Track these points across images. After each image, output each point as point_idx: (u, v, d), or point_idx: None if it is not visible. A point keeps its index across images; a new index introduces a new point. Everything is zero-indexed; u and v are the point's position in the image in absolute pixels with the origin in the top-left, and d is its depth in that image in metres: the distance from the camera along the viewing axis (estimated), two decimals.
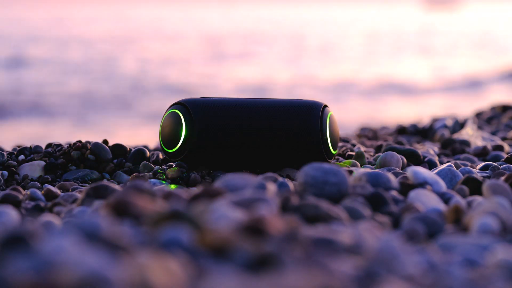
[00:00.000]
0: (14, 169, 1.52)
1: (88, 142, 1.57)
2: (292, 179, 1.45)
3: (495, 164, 1.52)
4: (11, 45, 12.12)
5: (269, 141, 1.49)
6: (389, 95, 7.61)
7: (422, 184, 1.15)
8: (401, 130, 2.37)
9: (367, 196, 1.06)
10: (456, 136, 2.09)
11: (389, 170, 1.45)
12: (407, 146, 1.74)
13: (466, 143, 1.97)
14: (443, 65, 10.27)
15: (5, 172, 1.50)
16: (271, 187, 1.04)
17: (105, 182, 1.18)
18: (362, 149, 1.72)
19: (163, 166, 1.54)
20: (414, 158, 1.63)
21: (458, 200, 1.12)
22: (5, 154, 1.54)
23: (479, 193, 1.20)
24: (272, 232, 0.79)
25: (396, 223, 1.01)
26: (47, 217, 1.07)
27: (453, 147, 1.92)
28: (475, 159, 1.78)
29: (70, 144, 1.57)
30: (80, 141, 1.56)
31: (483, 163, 1.56)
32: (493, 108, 2.81)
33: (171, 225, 0.78)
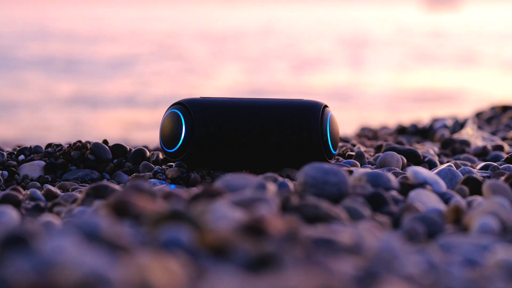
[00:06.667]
0: (14, 169, 1.52)
1: (88, 142, 1.57)
2: (292, 179, 1.45)
3: (495, 164, 1.52)
4: None
5: (269, 141, 1.49)
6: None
7: (422, 184, 1.15)
8: (401, 130, 2.37)
9: (367, 196, 1.06)
10: (456, 136, 2.09)
11: (389, 170, 1.45)
12: (407, 146, 1.74)
13: (466, 143, 1.97)
14: None
15: (5, 172, 1.50)
16: (271, 187, 1.04)
17: (105, 182, 1.18)
18: (362, 149, 1.72)
19: (163, 166, 1.54)
20: (414, 158, 1.63)
21: (458, 200, 1.12)
22: (5, 154, 1.54)
23: (479, 193, 1.20)
24: (272, 232, 0.79)
25: (396, 223, 1.01)
26: (47, 217, 1.07)
27: (453, 147, 1.92)
28: (475, 159, 1.78)
29: (70, 144, 1.57)
30: (80, 141, 1.57)
31: (483, 163, 1.56)
32: (493, 108, 2.81)
33: (171, 225, 0.78)
